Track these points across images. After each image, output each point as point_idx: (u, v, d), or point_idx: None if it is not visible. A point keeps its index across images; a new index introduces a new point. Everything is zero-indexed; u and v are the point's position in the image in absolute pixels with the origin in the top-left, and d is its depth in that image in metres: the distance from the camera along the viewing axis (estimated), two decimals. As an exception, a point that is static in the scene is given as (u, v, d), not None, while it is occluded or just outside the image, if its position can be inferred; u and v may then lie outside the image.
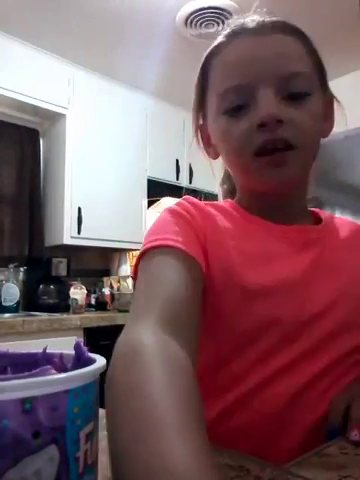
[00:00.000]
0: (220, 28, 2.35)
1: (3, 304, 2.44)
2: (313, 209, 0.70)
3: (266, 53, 0.55)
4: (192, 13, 2.25)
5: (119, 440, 0.30)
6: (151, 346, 0.38)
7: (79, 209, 2.67)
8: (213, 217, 0.59)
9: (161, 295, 0.46)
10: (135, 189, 3.01)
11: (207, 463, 0.27)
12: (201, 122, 0.66)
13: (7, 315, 2.35)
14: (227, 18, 2.27)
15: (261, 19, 0.58)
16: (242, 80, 0.55)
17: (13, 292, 2.47)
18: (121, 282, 2.83)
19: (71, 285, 2.58)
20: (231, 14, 2.24)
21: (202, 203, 0.62)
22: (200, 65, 0.62)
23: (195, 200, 0.61)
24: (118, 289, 2.82)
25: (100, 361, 0.29)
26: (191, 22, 2.31)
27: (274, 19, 0.59)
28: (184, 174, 3.27)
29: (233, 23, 0.60)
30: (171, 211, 0.58)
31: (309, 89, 0.56)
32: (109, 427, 0.32)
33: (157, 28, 2.39)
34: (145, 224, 3.02)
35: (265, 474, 0.38)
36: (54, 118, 2.76)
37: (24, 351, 0.35)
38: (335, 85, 2.99)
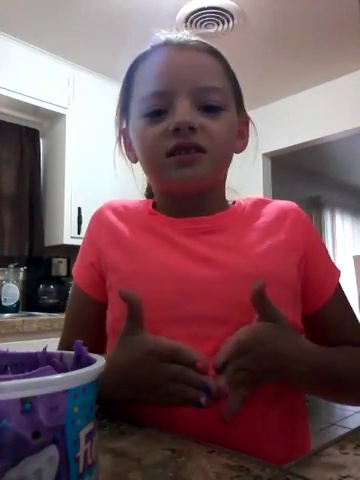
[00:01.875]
0: (220, 28, 2.35)
1: (3, 304, 2.44)
2: (242, 200, 0.70)
3: (186, 65, 0.61)
4: (192, 13, 2.25)
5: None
6: None
7: (79, 209, 2.67)
8: (112, 228, 0.67)
9: (66, 333, 0.71)
10: (135, 189, 3.00)
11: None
12: (124, 126, 0.70)
13: (7, 315, 2.35)
14: (227, 18, 2.27)
15: (186, 37, 0.64)
16: (162, 87, 0.60)
17: (13, 292, 2.47)
18: (121, 282, 2.83)
19: (71, 285, 2.58)
20: (231, 14, 2.24)
21: (113, 208, 0.69)
22: (126, 71, 0.67)
23: (106, 209, 0.70)
24: (118, 289, 2.82)
25: (100, 361, 0.29)
26: (191, 22, 2.31)
27: (198, 39, 0.64)
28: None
29: (160, 36, 0.65)
30: (86, 232, 0.71)
31: (223, 104, 0.61)
32: None
33: (157, 28, 2.39)
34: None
35: (265, 474, 0.38)
36: (54, 118, 2.76)
37: (24, 351, 0.35)
38: (335, 85, 3.03)
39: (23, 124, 2.75)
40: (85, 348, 0.32)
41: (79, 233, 2.67)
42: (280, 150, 3.29)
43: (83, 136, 2.75)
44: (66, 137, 2.69)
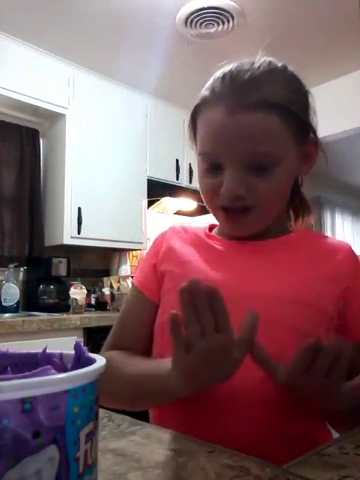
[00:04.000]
0: (220, 28, 2.35)
1: (3, 304, 2.44)
2: (300, 229, 0.77)
3: (237, 133, 0.62)
4: (192, 13, 2.25)
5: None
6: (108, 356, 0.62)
7: (79, 209, 2.67)
8: (170, 245, 0.76)
9: (118, 332, 0.77)
10: (135, 189, 3.01)
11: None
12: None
13: (7, 315, 2.35)
14: (227, 18, 2.27)
15: (246, 89, 0.62)
16: (215, 151, 0.65)
17: (13, 292, 2.47)
18: (121, 282, 2.83)
19: (71, 285, 2.58)
20: (231, 14, 2.24)
21: (175, 230, 0.79)
22: (192, 110, 0.70)
23: (170, 230, 0.80)
24: (118, 289, 2.82)
25: (100, 361, 0.29)
26: (191, 22, 2.31)
27: (259, 90, 0.62)
28: (184, 174, 3.27)
29: (221, 80, 0.65)
30: (151, 246, 0.81)
31: (276, 161, 0.64)
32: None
33: (157, 28, 2.39)
34: (145, 224, 3.02)
35: (265, 474, 0.38)
36: (54, 118, 2.76)
37: (24, 351, 0.35)
38: (335, 85, 3.03)
39: (23, 124, 2.75)
40: (85, 348, 0.32)
41: (79, 233, 2.67)
42: (280, 150, 3.28)
43: (83, 136, 2.75)
44: (66, 137, 2.69)
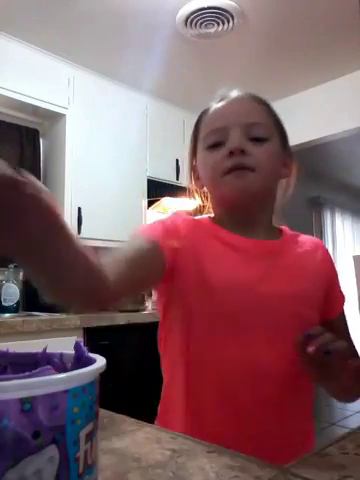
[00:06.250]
0: (220, 28, 2.35)
1: (3, 304, 2.43)
2: (283, 227, 0.85)
3: (236, 109, 0.78)
4: (192, 13, 2.25)
5: None
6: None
7: (79, 209, 2.67)
8: (193, 229, 0.77)
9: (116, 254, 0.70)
10: (135, 189, 3.01)
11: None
12: (194, 163, 0.85)
13: (7, 315, 2.35)
14: (227, 18, 2.27)
15: (240, 92, 0.81)
16: (220, 124, 0.77)
17: (13, 292, 2.47)
18: (121, 282, 2.83)
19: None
20: (231, 14, 2.24)
21: (188, 217, 0.80)
22: (196, 120, 0.83)
23: (183, 214, 0.81)
24: (118, 289, 2.81)
25: (100, 361, 0.29)
26: (191, 22, 2.31)
27: (250, 93, 0.81)
28: (184, 174, 3.27)
29: (222, 92, 0.82)
30: (170, 222, 0.77)
31: (267, 136, 0.76)
32: None
33: (157, 28, 2.39)
34: (145, 224, 3.02)
35: (265, 474, 0.38)
36: (54, 118, 2.76)
37: (24, 351, 0.35)
38: (335, 85, 3.02)
39: (23, 124, 2.75)
40: (85, 348, 0.32)
41: (79, 233, 2.67)
42: (280, 150, 3.28)
43: (83, 136, 2.75)
44: (66, 137, 2.69)
